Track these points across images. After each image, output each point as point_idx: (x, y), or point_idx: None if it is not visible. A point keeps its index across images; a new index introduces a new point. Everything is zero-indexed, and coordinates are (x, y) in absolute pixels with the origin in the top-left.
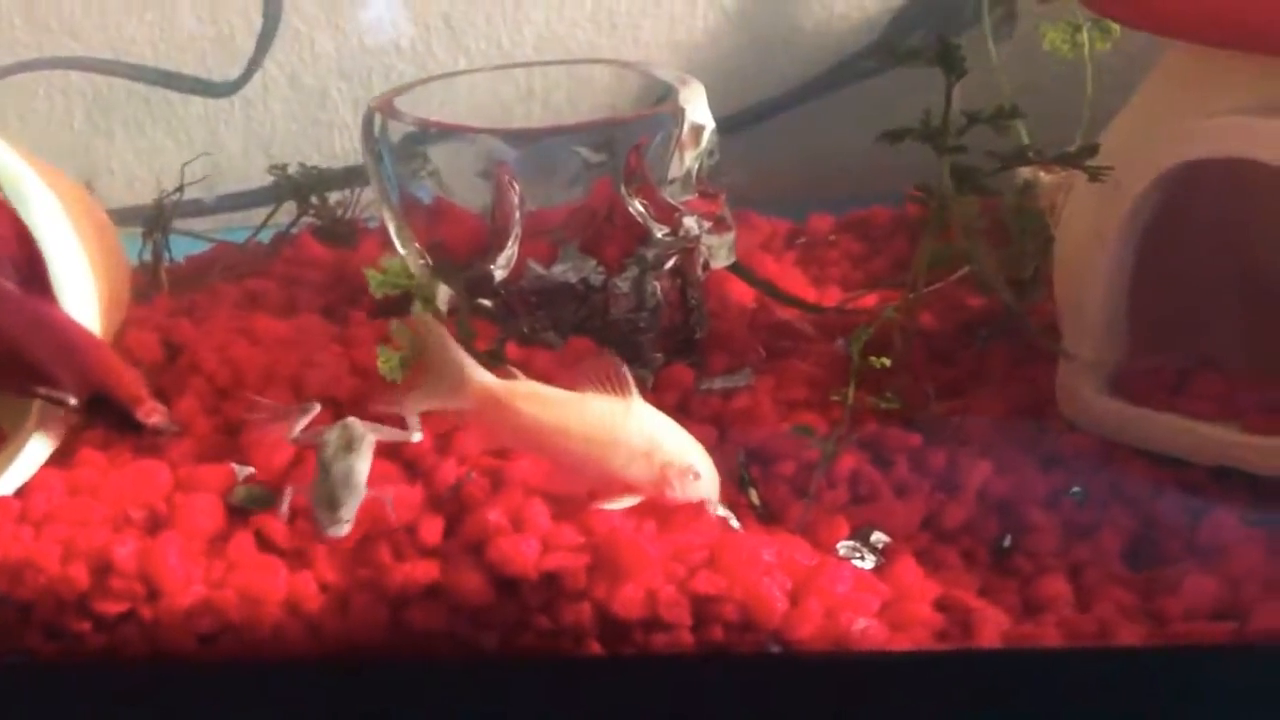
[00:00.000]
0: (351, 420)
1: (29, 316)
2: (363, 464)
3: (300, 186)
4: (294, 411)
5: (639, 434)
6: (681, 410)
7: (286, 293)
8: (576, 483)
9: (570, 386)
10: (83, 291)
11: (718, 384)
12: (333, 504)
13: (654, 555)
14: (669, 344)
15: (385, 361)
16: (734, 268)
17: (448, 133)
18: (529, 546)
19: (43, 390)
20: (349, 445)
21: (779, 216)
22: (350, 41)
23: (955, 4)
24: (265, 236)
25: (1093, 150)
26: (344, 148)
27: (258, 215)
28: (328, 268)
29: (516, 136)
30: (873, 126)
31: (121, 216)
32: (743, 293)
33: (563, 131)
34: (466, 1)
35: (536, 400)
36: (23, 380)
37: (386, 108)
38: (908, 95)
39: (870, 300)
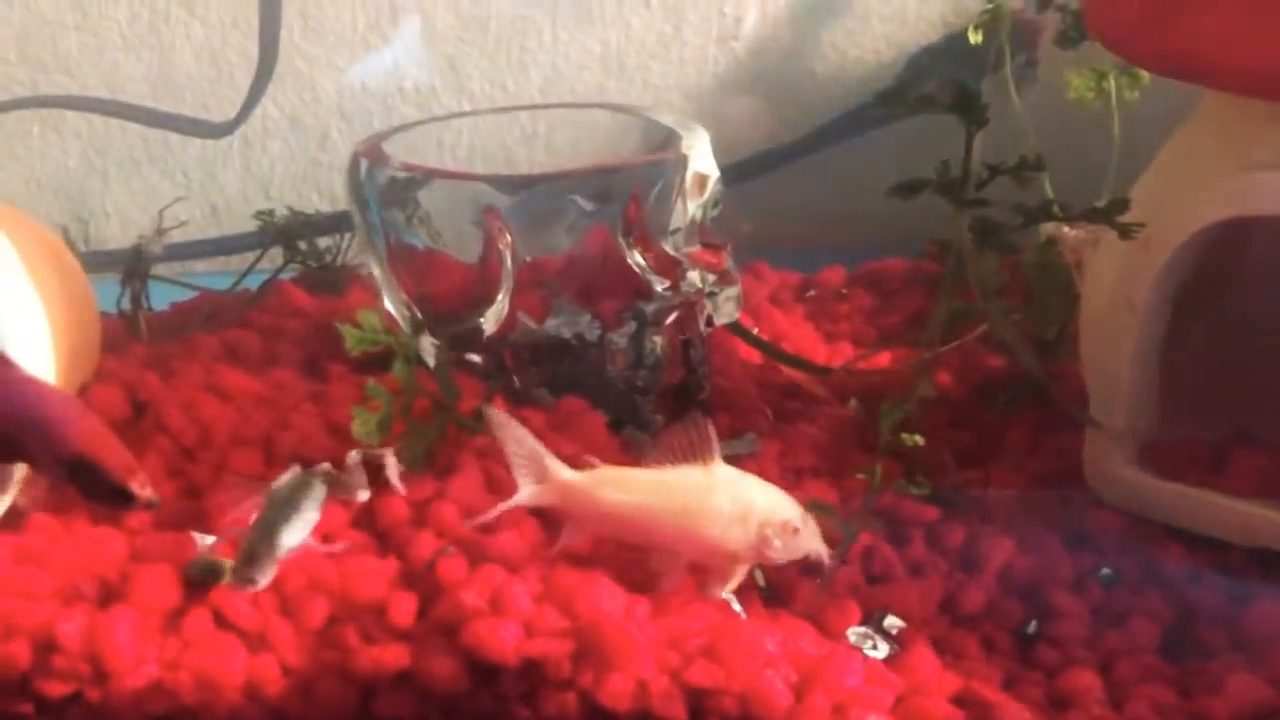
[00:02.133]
0: (315, 468)
1: (17, 389)
2: (298, 520)
3: (286, 232)
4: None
5: (729, 499)
6: None
7: (267, 344)
8: (674, 562)
9: (656, 461)
10: (34, 345)
11: (721, 450)
12: (250, 559)
13: (644, 642)
14: (670, 404)
15: (362, 425)
16: (733, 327)
17: (436, 179)
18: (508, 631)
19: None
20: (293, 496)
21: (790, 267)
22: (352, 83)
23: (972, 50)
24: (255, 283)
25: (1124, 205)
26: (342, 189)
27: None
28: (310, 317)
29: (508, 183)
30: (887, 174)
31: (115, 260)
32: (750, 349)
33: (558, 178)
34: (471, 43)
35: (618, 485)
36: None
37: (372, 152)
38: (924, 143)
39: (883, 359)
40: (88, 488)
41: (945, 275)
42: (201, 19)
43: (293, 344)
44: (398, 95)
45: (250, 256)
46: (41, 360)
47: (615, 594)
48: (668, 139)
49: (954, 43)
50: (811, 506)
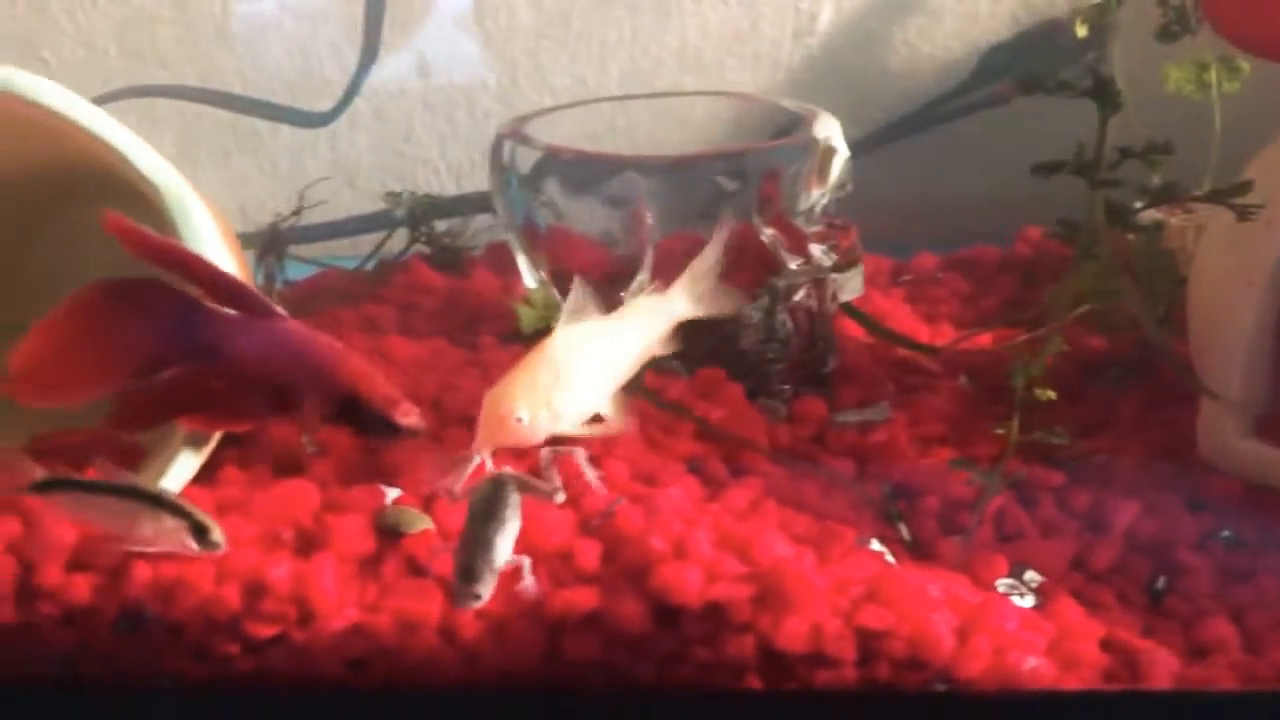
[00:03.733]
0: (504, 473)
1: (267, 338)
2: (506, 533)
3: (414, 213)
4: (456, 462)
5: None
6: (818, 442)
7: (402, 318)
8: None
9: None
10: None
11: (853, 417)
12: (469, 575)
13: (822, 587)
14: (796, 376)
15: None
16: (845, 306)
17: (578, 159)
18: (693, 575)
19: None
20: (494, 508)
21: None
22: (437, 76)
23: (1043, 47)
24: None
25: (1245, 188)
26: (426, 180)
27: (339, 244)
28: (441, 294)
29: (651, 163)
30: (957, 168)
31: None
32: (857, 326)
33: (699, 159)
34: (553, 38)
35: None
36: (269, 406)
37: (516, 134)
38: (994, 137)
39: (985, 339)
40: (355, 423)
41: (1076, 253)
42: (293, 11)
43: (425, 318)
44: (481, 88)
45: (348, 239)
46: None
47: (785, 543)
48: (793, 123)
49: (1025, 39)
50: (955, 464)
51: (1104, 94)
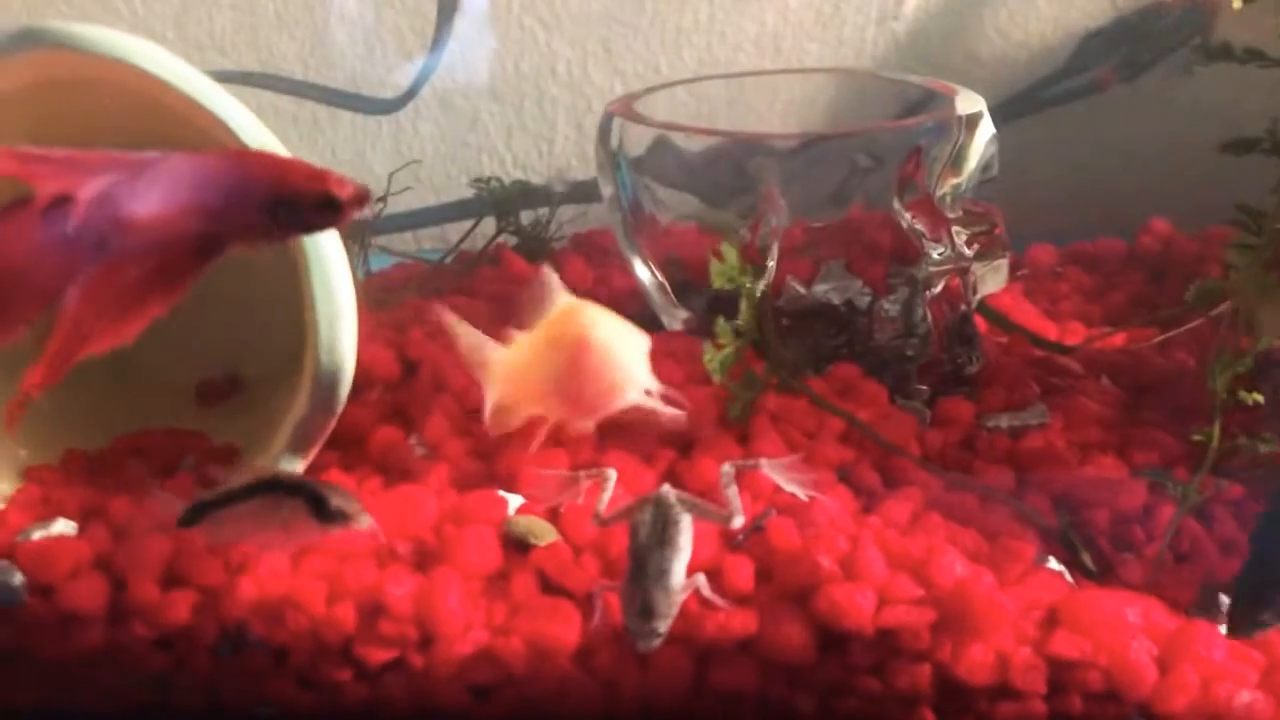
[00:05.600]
0: (665, 494)
1: (178, 175)
2: (680, 559)
3: (502, 202)
4: (579, 480)
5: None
6: (968, 448)
7: (493, 309)
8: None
9: None
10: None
11: (1005, 421)
12: (646, 612)
13: (1012, 611)
14: (933, 375)
15: (711, 360)
16: (978, 305)
17: (699, 139)
18: (865, 598)
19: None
20: (665, 533)
21: None
22: (504, 64)
23: (1144, 33)
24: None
25: None
26: (492, 170)
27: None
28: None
29: (783, 142)
30: (1050, 156)
31: None
32: (981, 322)
33: (834, 137)
34: (626, 24)
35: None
36: (214, 243)
37: (627, 112)
38: (1087, 127)
39: (1118, 338)
40: (296, 222)
41: (1264, 242)
42: None
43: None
44: (549, 76)
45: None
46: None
47: (963, 561)
48: (926, 100)
49: (1124, 25)
50: (1149, 474)
51: None
